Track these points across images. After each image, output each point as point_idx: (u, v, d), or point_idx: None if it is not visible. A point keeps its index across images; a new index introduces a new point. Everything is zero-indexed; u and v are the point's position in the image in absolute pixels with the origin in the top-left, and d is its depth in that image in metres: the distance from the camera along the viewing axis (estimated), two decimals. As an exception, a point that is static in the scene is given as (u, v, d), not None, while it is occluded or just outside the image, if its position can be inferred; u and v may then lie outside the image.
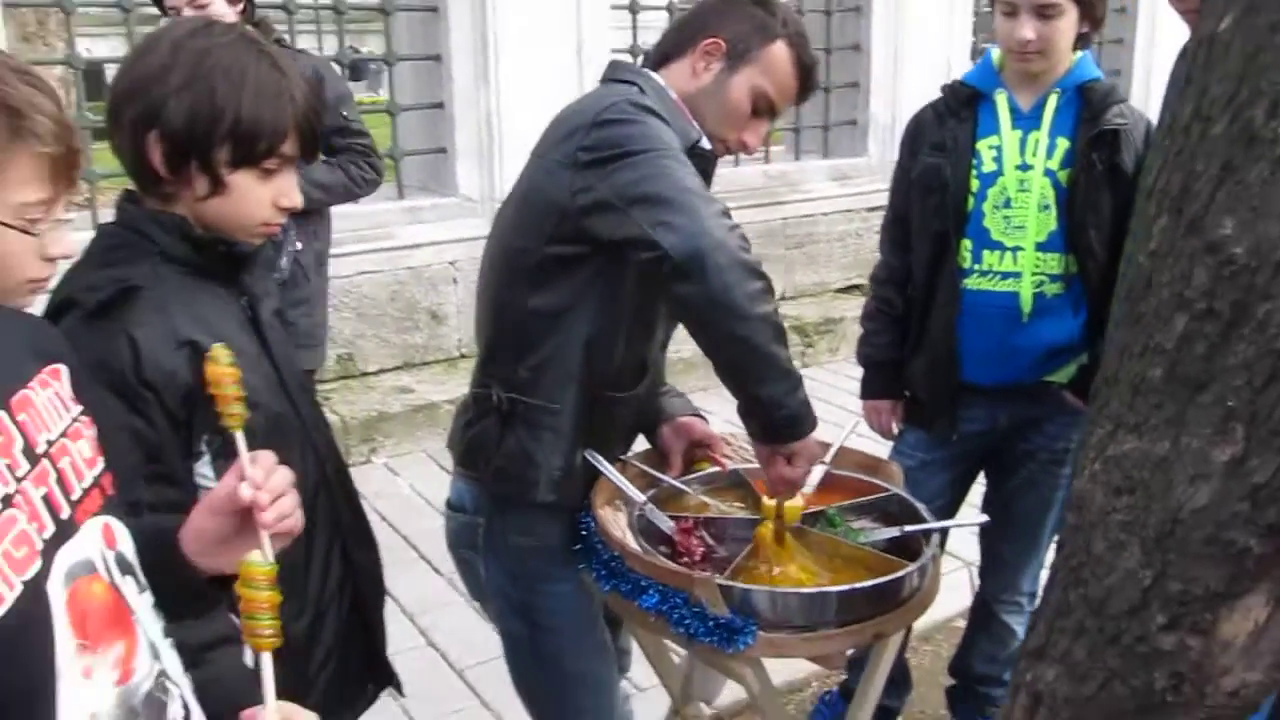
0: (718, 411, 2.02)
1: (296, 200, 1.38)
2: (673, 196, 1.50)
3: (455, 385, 4.50)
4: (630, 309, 1.67)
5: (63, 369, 1.03)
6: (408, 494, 4.00)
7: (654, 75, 1.74)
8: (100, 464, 1.02)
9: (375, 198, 4.92)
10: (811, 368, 5.42)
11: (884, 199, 2.39)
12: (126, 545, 1.02)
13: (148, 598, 1.03)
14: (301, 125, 1.32)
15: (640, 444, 1.94)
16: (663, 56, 1.77)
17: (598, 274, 1.63)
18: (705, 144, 1.71)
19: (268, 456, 1.08)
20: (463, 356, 4.93)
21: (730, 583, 1.47)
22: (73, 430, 0.99)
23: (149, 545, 1.08)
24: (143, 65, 1.28)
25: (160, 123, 1.26)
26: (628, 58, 5.09)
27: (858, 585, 1.47)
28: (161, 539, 1.10)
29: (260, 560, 1.00)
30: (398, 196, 4.87)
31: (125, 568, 1.00)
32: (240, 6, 2.74)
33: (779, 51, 1.71)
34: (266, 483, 1.05)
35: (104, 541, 0.98)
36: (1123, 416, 1.11)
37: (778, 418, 1.55)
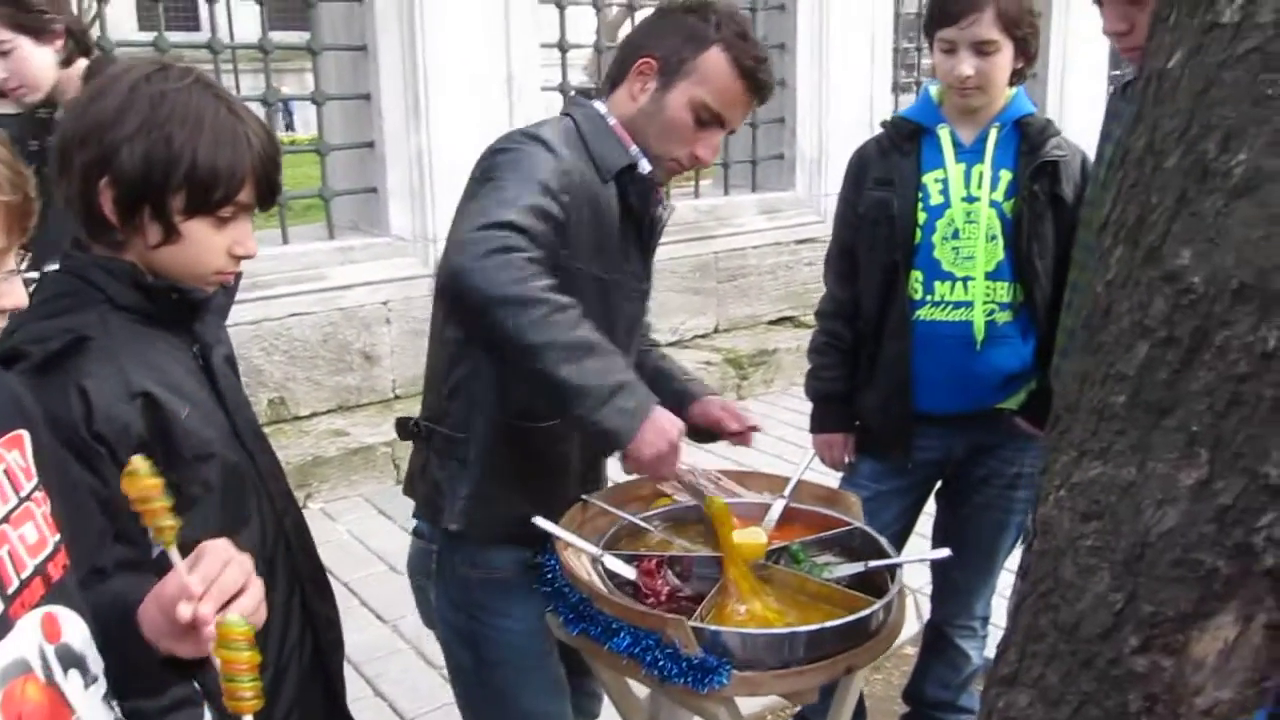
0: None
1: (252, 248, 1.34)
2: (463, 235, 1.48)
3: (390, 427, 4.39)
4: None
5: (25, 435, 0.98)
6: (346, 540, 3.91)
7: (596, 104, 1.74)
8: (50, 546, 0.97)
9: (306, 238, 4.87)
10: (747, 399, 5.45)
11: (812, 231, 2.42)
12: (74, 634, 0.97)
13: (97, 690, 0.98)
14: (259, 172, 1.29)
15: (615, 476, 1.92)
16: (610, 84, 1.77)
17: None
18: (645, 167, 1.71)
19: (215, 555, 1.02)
20: (397, 398, 4.86)
21: (702, 624, 1.45)
22: (19, 514, 0.94)
23: (111, 616, 1.04)
24: (96, 109, 1.23)
25: (113, 169, 1.23)
26: (558, 95, 5.11)
27: (827, 624, 1.47)
28: (122, 613, 1.05)
29: (238, 621, 0.96)
30: (328, 237, 4.81)
31: (70, 661, 0.95)
32: (58, 44, 2.57)
33: (714, 58, 1.67)
34: (214, 588, 0.99)
35: (44, 635, 0.93)
36: (1086, 443, 1.13)
37: (594, 434, 1.52)
